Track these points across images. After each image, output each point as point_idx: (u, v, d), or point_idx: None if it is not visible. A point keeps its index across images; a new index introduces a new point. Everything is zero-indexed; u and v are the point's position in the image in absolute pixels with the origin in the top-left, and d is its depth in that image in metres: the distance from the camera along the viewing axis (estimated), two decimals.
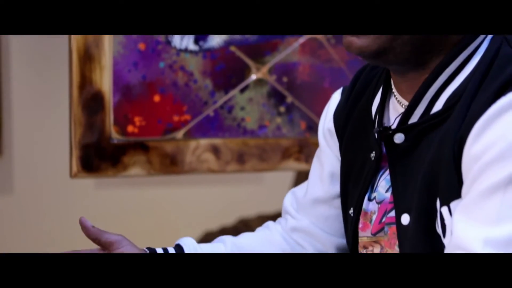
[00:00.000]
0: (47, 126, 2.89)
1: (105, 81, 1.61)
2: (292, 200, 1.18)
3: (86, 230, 1.06)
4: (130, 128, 1.64)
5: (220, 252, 1.11)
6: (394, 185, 0.96)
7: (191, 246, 1.11)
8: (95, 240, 1.06)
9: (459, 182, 0.86)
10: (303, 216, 1.15)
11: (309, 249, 1.14)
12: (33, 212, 3.38)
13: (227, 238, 1.15)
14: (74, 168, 1.60)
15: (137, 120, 1.65)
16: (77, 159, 1.60)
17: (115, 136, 1.63)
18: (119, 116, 1.63)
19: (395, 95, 1.01)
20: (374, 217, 1.02)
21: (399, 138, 0.96)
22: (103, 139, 1.62)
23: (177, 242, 1.12)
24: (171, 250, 1.10)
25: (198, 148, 1.70)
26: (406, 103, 0.98)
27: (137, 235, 3.78)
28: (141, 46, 1.63)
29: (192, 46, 1.67)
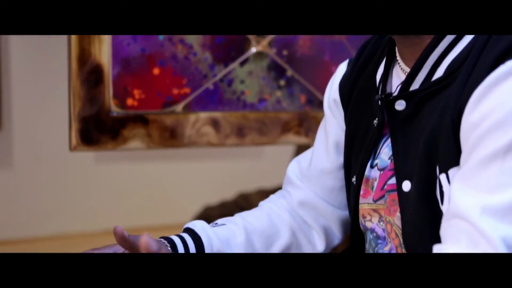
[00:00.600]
0: (46, 99, 2.89)
1: (104, 54, 1.60)
2: (297, 169, 1.18)
3: (123, 241, 0.97)
4: (129, 101, 1.64)
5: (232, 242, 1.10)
6: (395, 152, 0.97)
7: (203, 231, 1.09)
8: (131, 248, 0.97)
9: (458, 150, 0.86)
10: (308, 188, 1.15)
11: (314, 226, 1.15)
12: (33, 185, 3.38)
13: (238, 221, 1.14)
14: (74, 141, 1.59)
15: (137, 93, 1.64)
16: (76, 132, 1.60)
17: (115, 109, 1.63)
18: (118, 89, 1.62)
19: (398, 63, 1.01)
20: (375, 183, 1.03)
21: (400, 104, 0.96)
22: (102, 112, 1.62)
23: (188, 226, 1.10)
24: (187, 237, 1.08)
25: (198, 121, 1.70)
26: (408, 70, 0.97)
27: (136, 208, 3.82)
28: None
29: None
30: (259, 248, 1.12)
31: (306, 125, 1.76)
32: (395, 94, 0.98)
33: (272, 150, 2.44)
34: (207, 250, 1.07)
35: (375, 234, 1.05)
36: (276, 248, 1.13)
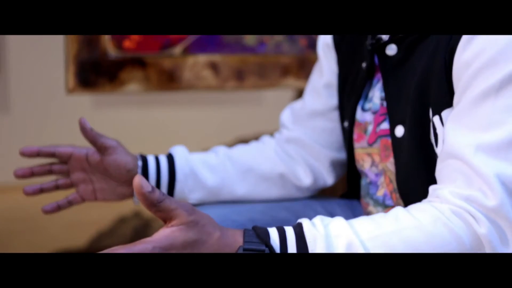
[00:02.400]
0: (43, 42, 2.84)
1: None
2: (290, 114, 1.17)
3: (85, 132, 1.04)
4: (127, 43, 1.61)
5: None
6: (388, 97, 0.96)
7: (182, 155, 1.10)
8: (92, 142, 1.05)
9: (450, 91, 0.85)
10: (299, 129, 1.14)
11: (300, 162, 1.13)
12: (30, 130, 3.37)
13: (220, 149, 1.14)
14: (70, 84, 1.57)
15: (134, 35, 1.61)
16: (73, 75, 1.58)
17: (112, 52, 1.60)
18: None
19: None
20: (369, 127, 1.02)
21: (391, 49, 0.95)
22: (99, 54, 1.60)
23: (169, 151, 1.12)
24: (163, 158, 1.10)
25: (196, 64, 1.68)
26: None
27: (134, 153, 3.79)
28: None
29: None
30: (235, 176, 1.11)
31: (306, 69, 1.73)
32: (386, 39, 0.96)
33: (271, 95, 2.42)
34: (178, 164, 1.09)
35: (368, 180, 1.05)
36: (254, 178, 1.12)
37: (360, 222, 0.79)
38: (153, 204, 0.74)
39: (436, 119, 0.87)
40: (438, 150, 0.88)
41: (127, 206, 2.62)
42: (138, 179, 0.73)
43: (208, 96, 2.40)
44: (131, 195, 1.09)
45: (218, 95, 2.45)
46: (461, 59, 0.82)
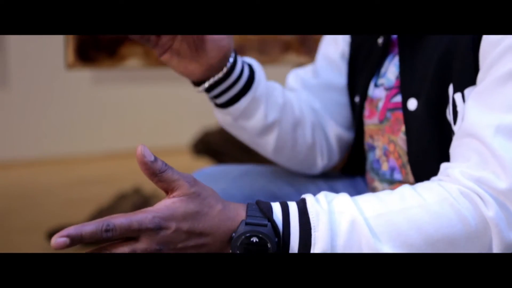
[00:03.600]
0: None
1: None
2: (298, 79, 1.13)
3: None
4: None
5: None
6: (402, 69, 0.94)
7: (260, 76, 0.99)
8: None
9: (475, 69, 0.84)
10: (316, 99, 1.11)
11: (322, 135, 1.09)
12: (29, 105, 3.36)
13: (279, 88, 1.04)
14: (70, 59, 1.56)
15: None
16: (72, 50, 1.56)
17: None
18: None
19: None
20: (380, 103, 1.00)
21: None
22: None
23: (249, 62, 0.99)
24: (246, 65, 0.97)
25: None
26: None
27: (134, 130, 3.82)
28: None
29: None
30: (287, 126, 1.03)
31: (307, 45, 1.72)
32: None
33: (272, 72, 2.40)
34: (254, 86, 0.97)
35: (377, 155, 1.03)
36: (295, 138, 1.05)
37: (365, 199, 0.78)
38: (155, 174, 0.72)
39: (457, 96, 0.85)
40: (455, 128, 0.86)
41: (127, 183, 2.62)
42: (141, 148, 0.72)
43: None
44: (196, 78, 0.94)
45: None
46: (490, 38, 0.81)
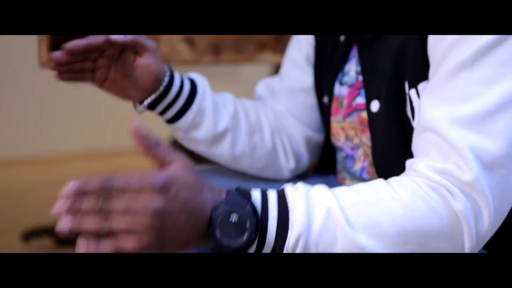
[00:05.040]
0: None
1: None
2: (266, 88, 1.16)
3: (120, 43, 0.95)
4: None
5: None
6: (364, 72, 0.95)
7: (205, 88, 1.05)
8: (130, 44, 0.95)
9: (426, 64, 0.85)
10: (279, 102, 1.13)
11: (286, 138, 1.12)
12: (3, 103, 3.33)
13: (231, 97, 1.10)
14: (44, 57, 1.55)
15: None
16: (46, 49, 1.55)
17: None
18: None
19: None
20: (344, 101, 1.01)
21: None
22: None
23: (190, 76, 1.06)
24: (187, 83, 1.03)
25: (172, 38, 1.66)
26: None
27: (109, 129, 3.79)
28: None
29: None
30: (241, 132, 1.08)
31: (282, 43, 1.72)
32: None
33: (248, 70, 2.40)
34: (200, 93, 1.03)
35: (344, 154, 1.04)
36: (253, 143, 1.09)
37: (341, 189, 0.79)
38: (151, 147, 0.73)
39: (412, 92, 0.87)
40: (415, 124, 0.87)
41: None
42: (135, 123, 0.72)
43: (184, 71, 2.38)
44: (138, 100, 1.01)
45: (194, 70, 2.43)
46: None
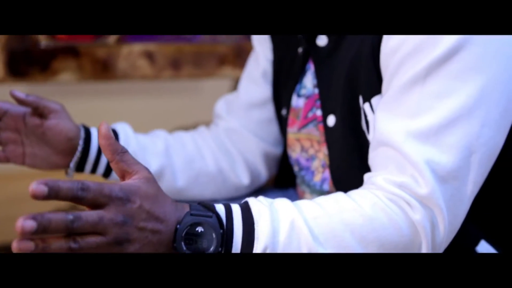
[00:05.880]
0: None
1: None
2: (224, 105, 1.16)
3: (20, 101, 0.98)
4: None
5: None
6: (320, 87, 0.96)
7: (127, 132, 1.07)
8: (34, 107, 0.99)
9: (379, 78, 0.86)
10: (235, 119, 1.13)
11: (238, 158, 1.13)
12: None
13: (161, 134, 1.12)
14: (0, 74, 1.53)
15: None
16: (3, 64, 1.53)
17: (44, 40, 1.57)
18: None
19: None
20: (301, 112, 1.02)
21: (321, 39, 0.95)
22: (30, 43, 1.55)
23: (113, 127, 1.08)
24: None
25: (131, 53, 1.65)
26: None
27: None
28: None
29: None
30: (179, 165, 1.09)
31: (243, 58, 1.72)
32: None
33: (208, 84, 2.41)
34: (123, 138, 1.06)
35: (299, 167, 1.05)
36: (195, 171, 1.10)
37: (304, 202, 0.80)
38: (116, 153, 0.73)
39: (366, 106, 0.88)
40: (370, 137, 0.88)
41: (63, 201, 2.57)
42: (105, 126, 0.72)
43: (144, 86, 2.37)
44: (64, 165, 1.03)
45: (154, 85, 2.42)
46: (388, 46, 0.83)
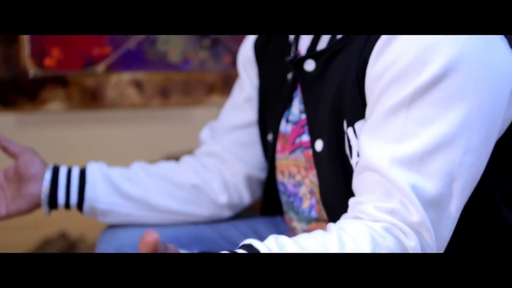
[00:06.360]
0: None
1: None
2: (208, 131, 1.17)
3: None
4: (47, 61, 1.58)
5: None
6: (308, 112, 0.97)
7: (95, 165, 1.10)
8: (3, 149, 1.06)
9: (363, 103, 0.86)
10: (218, 143, 1.14)
11: (215, 174, 1.13)
12: None
13: (135, 163, 1.13)
14: None
15: (55, 52, 1.58)
16: None
17: (32, 70, 1.57)
18: (35, 48, 1.56)
19: None
20: (288, 138, 1.03)
21: (309, 64, 0.96)
22: (19, 73, 1.56)
23: (86, 167, 1.11)
24: (75, 170, 1.09)
25: (120, 82, 1.66)
26: None
27: None
28: None
29: None
30: (149, 183, 1.10)
31: (231, 85, 1.72)
32: (304, 54, 0.97)
33: (198, 112, 2.41)
34: (90, 172, 1.09)
35: (288, 193, 1.05)
36: (168, 185, 1.11)
37: (308, 242, 0.78)
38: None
39: (350, 131, 0.88)
40: (353, 162, 0.88)
41: (52, 228, 2.56)
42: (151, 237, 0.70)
43: (133, 114, 2.37)
44: (37, 205, 1.08)
45: (143, 113, 2.42)
46: (373, 71, 0.83)
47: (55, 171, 1.06)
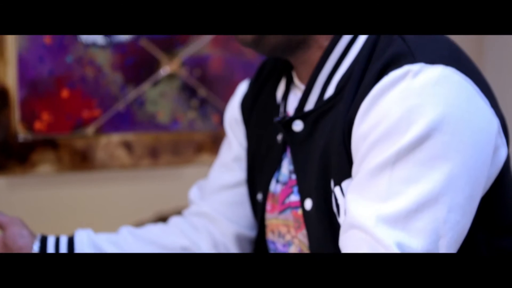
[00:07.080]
0: None
1: (9, 76, 1.55)
2: (197, 191, 1.18)
3: None
4: (37, 125, 1.60)
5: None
6: (297, 172, 0.98)
7: (83, 232, 1.10)
8: None
9: (349, 162, 0.87)
10: (206, 203, 1.15)
11: (204, 234, 1.13)
12: None
13: (123, 228, 1.13)
14: None
15: (45, 116, 1.60)
16: None
17: (22, 133, 1.58)
18: (25, 112, 1.58)
19: (295, 82, 1.03)
20: (278, 198, 1.03)
21: (297, 125, 0.97)
22: (9, 136, 1.57)
23: (74, 235, 1.11)
24: (64, 239, 1.09)
25: (110, 144, 1.67)
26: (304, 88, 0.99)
27: (52, 234, 3.65)
28: (47, 40, 1.59)
29: (100, 40, 1.64)
30: (136, 247, 1.10)
31: (219, 144, 1.74)
32: (292, 115, 0.99)
33: (187, 171, 2.42)
34: (78, 239, 1.09)
35: (277, 252, 1.05)
36: (155, 249, 1.11)
37: None
38: None
39: (337, 189, 0.89)
40: (340, 220, 0.89)
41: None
42: None
43: (124, 175, 2.37)
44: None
45: (133, 174, 2.43)
46: (358, 132, 0.85)
47: (43, 242, 1.06)
